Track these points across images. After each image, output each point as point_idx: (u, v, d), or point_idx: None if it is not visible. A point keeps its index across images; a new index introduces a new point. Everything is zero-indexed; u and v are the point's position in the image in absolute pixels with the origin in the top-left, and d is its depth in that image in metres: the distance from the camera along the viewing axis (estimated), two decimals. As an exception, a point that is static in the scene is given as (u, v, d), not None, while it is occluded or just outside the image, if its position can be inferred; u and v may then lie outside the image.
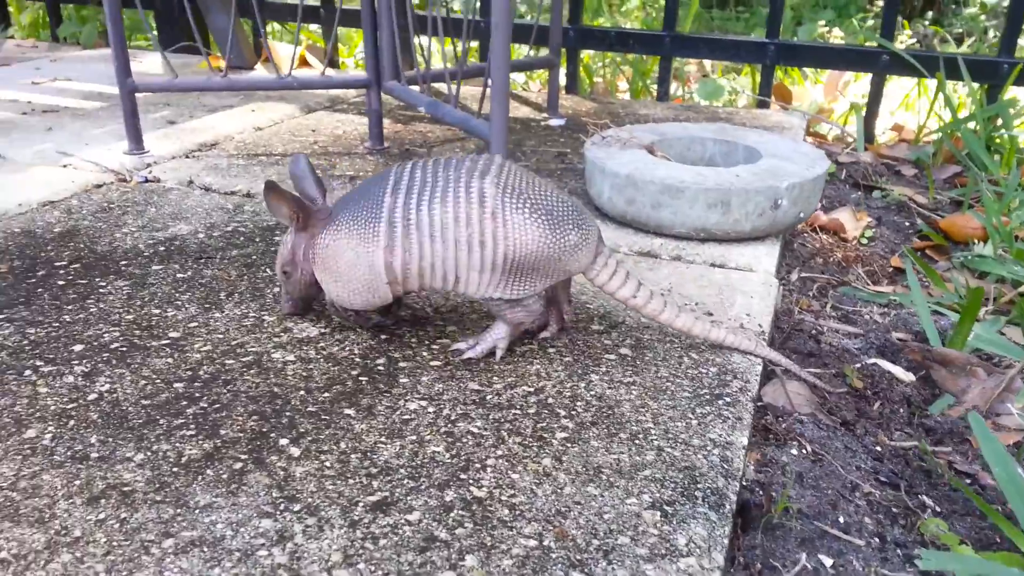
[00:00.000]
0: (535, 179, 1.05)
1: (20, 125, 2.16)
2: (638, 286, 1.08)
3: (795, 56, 2.47)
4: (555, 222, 1.02)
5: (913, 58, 2.31)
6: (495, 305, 1.05)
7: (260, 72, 2.87)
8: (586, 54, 3.07)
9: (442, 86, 2.30)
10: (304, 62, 2.99)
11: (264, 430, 0.94)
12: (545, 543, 0.78)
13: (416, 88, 1.90)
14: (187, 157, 1.95)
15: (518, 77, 3.08)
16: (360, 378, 1.05)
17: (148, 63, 2.98)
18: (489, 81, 1.55)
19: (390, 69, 1.95)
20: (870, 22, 4.78)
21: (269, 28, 3.36)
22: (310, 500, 0.83)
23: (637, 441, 0.93)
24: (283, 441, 0.92)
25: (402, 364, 1.09)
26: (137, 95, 1.88)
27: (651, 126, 1.76)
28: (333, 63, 3.10)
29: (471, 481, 0.86)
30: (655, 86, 2.70)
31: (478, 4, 2.73)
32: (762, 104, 2.55)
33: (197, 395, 1.01)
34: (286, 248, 1.10)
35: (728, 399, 1.02)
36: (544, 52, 2.37)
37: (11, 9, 3.57)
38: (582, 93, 2.82)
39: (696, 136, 1.70)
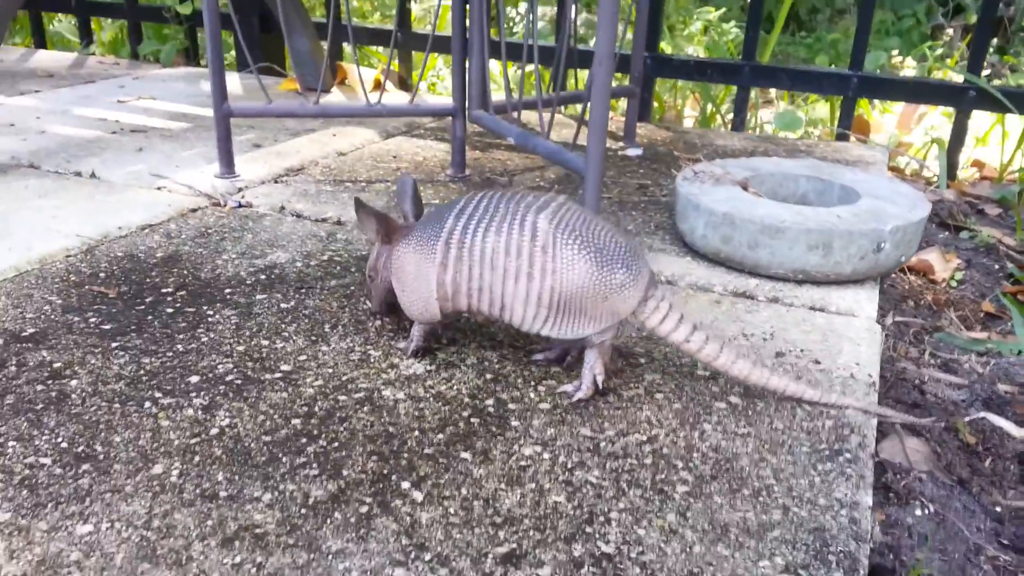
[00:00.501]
0: (592, 218, 1.08)
1: (111, 145, 2.22)
2: (692, 329, 1.08)
3: (879, 90, 2.43)
4: (603, 260, 1.03)
5: (1003, 94, 2.25)
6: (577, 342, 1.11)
7: (338, 96, 2.92)
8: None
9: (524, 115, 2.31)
10: (377, 85, 3.03)
11: (385, 472, 0.95)
12: (681, 606, 0.77)
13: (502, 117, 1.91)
14: (276, 182, 1.98)
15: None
16: (471, 419, 1.06)
17: (228, 84, 3.05)
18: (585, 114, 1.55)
19: (477, 98, 1.97)
20: (939, 51, 4.69)
21: (345, 50, 3.41)
22: (439, 549, 0.83)
23: (761, 498, 0.92)
24: (405, 484, 0.93)
25: (511, 406, 1.09)
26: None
27: (743, 161, 1.74)
28: (406, 87, 3.14)
29: (597, 535, 0.86)
30: (728, 114, 2.68)
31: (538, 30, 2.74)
32: (841, 137, 2.51)
33: (315, 432, 1.02)
34: (372, 256, 1.22)
35: (848, 455, 1.00)
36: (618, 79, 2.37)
37: (93, 26, 3.68)
38: (653, 121, 2.81)
39: (789, 173, 1.68)
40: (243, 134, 2.38)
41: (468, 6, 1.90)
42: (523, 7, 4.13)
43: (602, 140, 1.49)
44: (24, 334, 1.23)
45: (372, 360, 1.19)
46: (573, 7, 2.00)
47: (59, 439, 0.99)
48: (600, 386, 1.09)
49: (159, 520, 0.86)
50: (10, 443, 0.98)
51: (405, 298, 1.15)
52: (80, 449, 0.97)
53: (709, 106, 2.90)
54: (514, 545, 0.84)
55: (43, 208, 1.74)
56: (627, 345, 1.25)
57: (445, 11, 3.52)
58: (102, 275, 1.44)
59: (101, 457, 0.96)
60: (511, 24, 4.35)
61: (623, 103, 2.98)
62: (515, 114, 1.84)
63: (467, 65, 1.94)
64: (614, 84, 2.41)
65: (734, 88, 2.65)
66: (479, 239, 1.06)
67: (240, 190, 1.91)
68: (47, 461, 0.95)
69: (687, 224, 1.55)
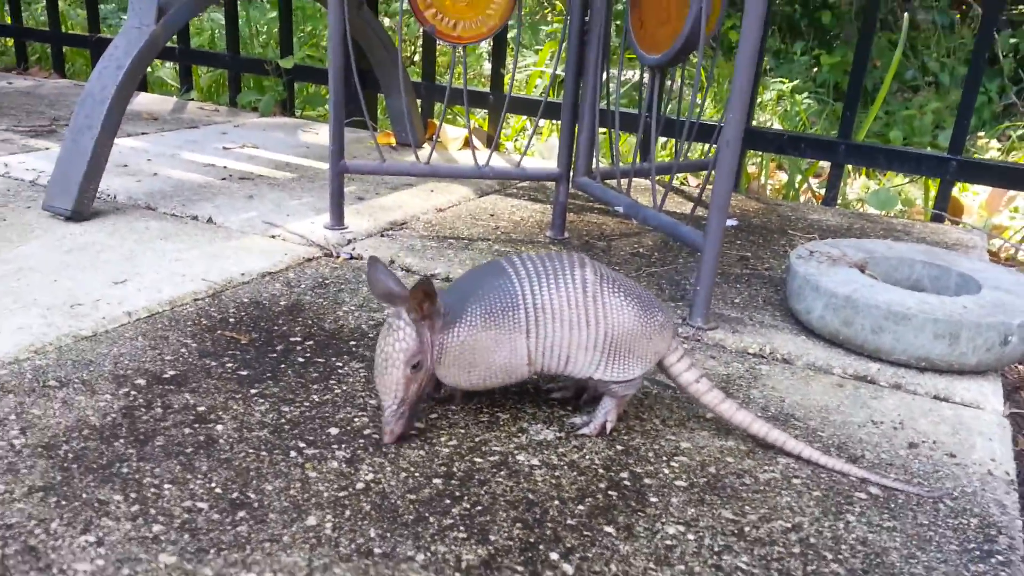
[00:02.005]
0: (618, 273, 1.19)
1: (223, 191, 2.31)
2: (702, 375, 1.19)
3: (978, 174, 2.42)
4: (644, 305, 1.15)
5: (1112, 185, 2.22)
6: (604, 385, 1.16)
7: (426, 150, 3.00)
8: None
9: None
10: (467, 143, 3.11)
11: (532, 540, 0.95)
12: None
13: (613, 183, 1.94)
14: (382, 235, 2.03)
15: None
16: (609, 492, 1.06)
17: (323, 135, 3.16)
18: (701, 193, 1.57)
19: (584, 165, 2.01)
20: (1020, 131, 4.64)
21: (437, 109, 3.52)
22: (599, 626, 0.83)
23: (920, 598, 0.90)
24: (553, 555, 0.93)
25: (647, 480, 1.09)
26: (326, 167, 1.99)
27: (855, 242, 1.74)
28: (495, 146, 3.21)
29: (757, 624, 0.84)
30: (818, 188, 2.68)
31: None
32: (937, 218, 2.49)
33: (457, 494, 1.03)
34: (411, 337, 1.08)
35: (1001, 557, 0.97)
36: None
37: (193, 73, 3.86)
38: (741, 191, 2.83)
39: (904, 257, 1.67)
40: (346, 186, 2.45)
41: (582, 77, 1.95)
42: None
43: (723, 218, 1.51)
44: (165, 376, 1.27)
45: (501, 423, 1.21)
46: (682, 82, 2.05)
47: (212, 484, 1.01)
48: (608, 431, 1.19)
49: (319, 573, 0.87)
50: (165, 485, 1.00)
51: (475, 375, 1.12)
52: (234, 496, 0.99)
53: (796, 179, 2.90)
54: (673, 628, 0.83)
55: (166, 251, 1.81)
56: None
57: (534, 76, 3.61)
58: (231, 320, 1.48)
59: (255, 505, 0.98)
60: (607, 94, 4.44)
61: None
62: (624, 182, 1.87)
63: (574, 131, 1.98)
64: (705, 156, 2.43)
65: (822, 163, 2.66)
66: (547, 297, 1.11)
67: (350, 242, 1.96)
68: (204, 506, 0.97)
69: (803, 304, 1.55)
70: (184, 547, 0.90)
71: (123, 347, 1.35)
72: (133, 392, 1.21)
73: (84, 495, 0.97)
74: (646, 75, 1.95)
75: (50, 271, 1.64)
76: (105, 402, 1.18)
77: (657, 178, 1.83)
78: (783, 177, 3.20)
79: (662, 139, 3.13)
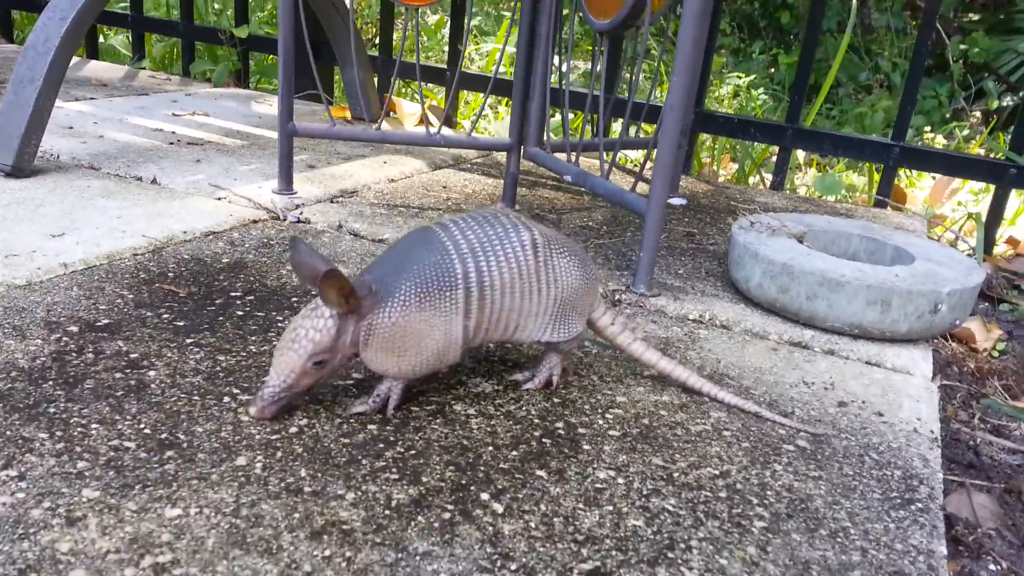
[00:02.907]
0: (550, 227, 1.16)
1: (170, 154, 2.26)
2: (625, 326, 1.21)
3: (920, 160, 2.48)
4: (583, 259, 1.14)
5: (1044, 173, 2.30)
6: (551, 345, 1.15)
7: (386, 127, 2.98)
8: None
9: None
10: (422, 120, 3.10)
11: (463, 482, 0.96)
12: (769, 634, 0.77)
13: (560, 156, 1.95)
14: (332, 202, 2.02)
15: (631, 154, 3.14)
16: (543, 440, 1.07)
17: (276, 106, 3.11)
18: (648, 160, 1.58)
19: (535, 136, 2.02)
20: (964, 132, 4.77)
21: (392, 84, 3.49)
22: (524, 560, 0.84)
23: (839, 539, 0.92)
24: (484, 496, 0.94)
25: (581, 430, 1.10)
26: (276, 136, 1.96)
27: (796, 216, 1.78)
28: (450, 123, 3.20)
29: (680, 561, 0.86)
30: (766, 174, 2.73)
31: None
32: (879, 204, 2.56)
33: (392, 439, 1.03)
34: (329, 334, 0.99)
35: (920, 505, 1.01)
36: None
37: (145, 42, 3.77)
38: (692, 175, 2.87)
39: (842, 231, 1.71)
40: (297, 155, 2.41)
41: (534, 52, 1.96)
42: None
43: (666, 183, 1.53)
44: (99, 324, 1.25)
45: (440, 375, 1.21)
46: (634, 61, 2.07)
47: (141, 425, 1.00)
48: (554, 385, 1.19)
49: (247, 509, 0.87)
50: (93, 426, 0.99)
51: (404, 362, 1.03)
52: (163, 436, 0.98)
53: (747, 164, 2.95)
54: (598, 563, 0.85)
55: (107, 208, 1.77)
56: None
57: (492, 54, 3.61)
58: (171, 275, 1.46)
59: (184, 445, 0.97)
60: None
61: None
62: (574, 155, 1.89)
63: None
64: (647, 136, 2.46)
65: (772, 148, 2.71)
66: (496, 274, 1.05)
67: (298, 207, 1.94)
68: (131, 445, 0.96)
69: (743, 272, 1.58)
70: (109, 483, 0.89)
71: (57, 296, 1.32)
72: (65, 338, 1.19)
73: (8, 432, 0.95)
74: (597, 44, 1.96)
75: (-17, 223, 1.59)
76: (35, 346, 1.15)
77: (599, 154, 1.85)
78: (735, 168, 3.24)
79: (615, 122, 3.16)
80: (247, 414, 1.04)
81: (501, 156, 2.74)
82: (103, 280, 1.40)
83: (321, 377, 1.03)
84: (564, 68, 1.89)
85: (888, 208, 2.56)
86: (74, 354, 1.14)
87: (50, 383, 1.07)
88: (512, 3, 5.86)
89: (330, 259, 1.03)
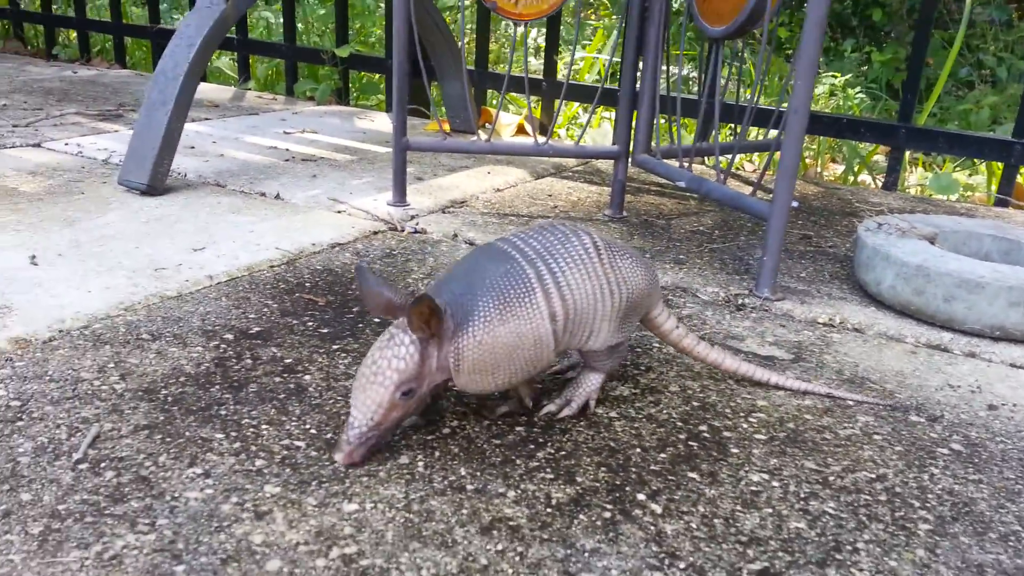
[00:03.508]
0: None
1: (287, 171, 2.36)
2: (678, 325, 1.20)
3: (1044, 156, 2.37)
4: (645, 264, 1.13)
5: None
6: (599, 357, 1.11)
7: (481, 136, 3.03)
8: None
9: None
10: (521, 130, 3.14)
11: (617, 483, 0.97)
12: (954, 638, 0.76)
13: (670, 163, 1.95)
14: (443, 212, 2.07)
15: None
16: (690, 443, 1.07)
17: (379, 122, 3.21)
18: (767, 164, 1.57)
19: (643, 143, 2.02)
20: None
21: (488, 96, 3.55)
22: (692, 560, 0.84)
23: (1011, 542, 0.90)
24: (640, 496, 0.95)
25: (726, 434, 1.10)
26: (384, 151, 2.02)
27: (923, 216, 1.73)
28: (546, 132, 3.23)
29: (849, 563, 0.85)
30: (878, 175, 2.65)
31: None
32: (1000, 203, 2.46)
33: (540, 440, 1.05)
34: (412, 361, 0.94)
35: (1091, 511, 0.97)
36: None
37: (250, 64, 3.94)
38: (799, 174, 2.81)
39: (973, 231, 1.66)
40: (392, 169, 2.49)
41: (642, 56, 1.97)
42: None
43: (791, 185, 1.51)
44: (251, 331, 1.31)
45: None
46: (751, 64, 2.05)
47: (307, 426, 1.05)
48: (591, 408, 1.13)
49: (417, 505, 0.90)
50: (263, 426, 1.04)
51: (503, 375, 0.99)
52: (328, 436, 1.03)
53: (855, 164, 2.88)
54: (766, 564, 0.85)
55: (239, 223, 1.86)
56: (831, 386, 1.25)
57: (588, 63, 3.63)
58: (307, 285, 1.52)
59: (349, 445, 1.01)
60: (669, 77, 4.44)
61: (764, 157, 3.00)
62: (686, 160, 1.88)
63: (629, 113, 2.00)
64: (768, 138, 2.43)
65: (878, 147, 2.63)
66: (567, 274, 1.02)
67: (413, 217, 2.00)
68: (301, 444, 1.01)
69: (873, 275, 1.55)
70: (287, 479, 0.93)
71: (208, 306, 1.40)
72: (223, 345, 1.26)
73: (187, 433, 1.02)
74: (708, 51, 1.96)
75: (131, 239, 1.70)
76: (197, 353, 1.22)
77: (715, 158, 1.84)
78: (838, 170, 3.16)
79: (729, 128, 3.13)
80: (332, 460, 0.97)
81: (601, 164, 2.75)
82: (247, 291, 1.48)
83: (410, 409, 0.97)
84: (673, 75, 1.90)
85: (1010, 207, 2.46)
86: (234, 360, 1.21)
87: (217, 387, 1.13)
88: (592, 13, 5.88)
89: (395, 286, 1.03)
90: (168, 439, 1.00)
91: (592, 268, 1.05)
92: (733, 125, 1.76)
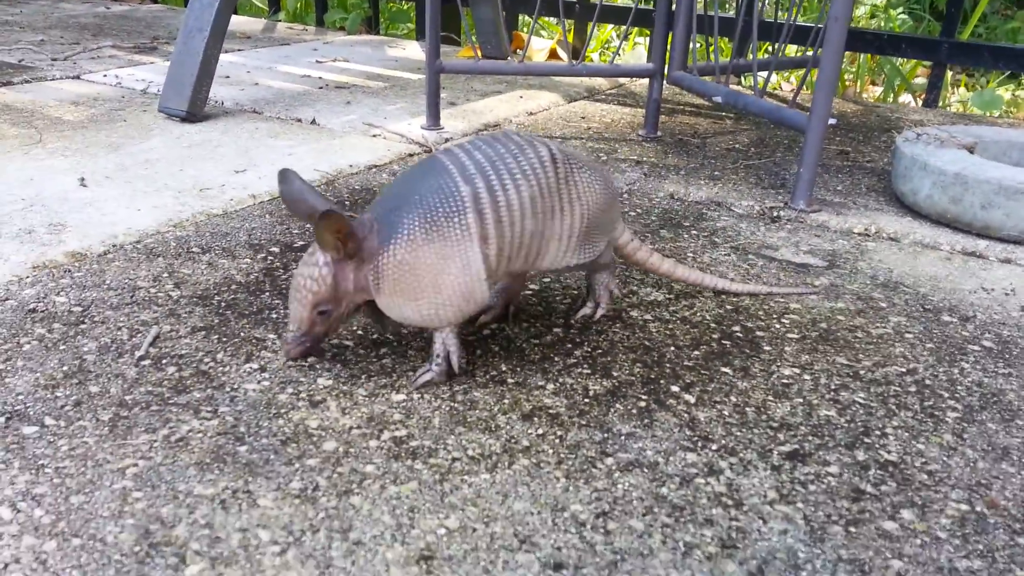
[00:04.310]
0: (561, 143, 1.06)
1: (321, 98, 2.38)
2: (642, 245, 1.14)
3: (1094, 67, 2.30)
4: (607, 178, 1.04)
5: None
6: (602, 261, 1.08)
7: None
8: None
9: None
10: (553, 55, 3.11)
11: (652, 376, 1.01)
12: (977, 509, 0.79)
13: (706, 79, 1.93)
14: (476, 135, 2.08)
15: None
16: (723, 341, 1.10)
17: (410, 50, 3.20)
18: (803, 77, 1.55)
19: (679, 60, 2.00)
20: None
21: (520, 21, 3.51)
22: (723, 442, 0.88)
23: (1038, 429, 0.92)
24: (674, 388, 0.98)
25: (759, 333, 1.13)
26: (416, 77, 2.03)
27: (962, 127, 1.71)
28: (578, 57, 3.20)
29: (877, 445, 0.89)
30: (909, 96, 2.60)
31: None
32: (1045, 117, 2.40)
33: (577, 340, 1.09)
34: (326, 283, 0.90)
35: (1121, 401, 0.98)
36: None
37: (281, -2, 3.93)
38: (838, 95, 2.76)
39: (1015, 140, 1.63)
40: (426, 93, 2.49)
41: (678, -32, 1.93)
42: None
43: (830, 96, 1.50)
44: (296, 245, 1.36)
45: (613, 286, 1.25)
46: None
47: (353, 327, 1.09)
48: (613, 296, 1.13)
49: (461, 395, 0.95)
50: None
51: (424, 307, 0.91)
52: (375, 336, 1.07)
53: (896, 82, 2.82)
54: (796, 446, 0.88)
55: (277, 147, 1.89)
56: (864, 290, 1.26)
57: (618, -14, 3.55)
58: (347, 203, 1.56)
59: (395, 344, 1.06)
60: None
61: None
62: (722, 77, 1.87)
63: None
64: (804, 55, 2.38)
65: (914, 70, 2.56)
66: (512, 192, 0.92)
67: (447, 140, 2.02)
68: (349, 343, 1.06)
69: (910, 185, 1.54)
70: (338, 374, 0.99)
71: (253, 223, 1.44)
72: (269, 257, 1.30)
73: (242, 334, 1.07)
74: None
75: (174, 162, 1.74)
76: (246, 264, 1.27)
77: (753, 73, 1.82)
78: (876, 92, 3.10)
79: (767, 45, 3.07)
80: (280, 353, 1.00)
81: (633, 86, 2.73)
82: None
83: (332, 324, 0.94)
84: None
85: (1055, 122, 2.40)
86: (281, 270, 1.26)
87: (267, 294, 1.18)
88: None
89: (328, 197, 0.96)
90: (224, 339, 1.05)
91: (543, 183, 0.94)
92: (769, 44, 1.74)
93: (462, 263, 0.90)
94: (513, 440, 0.87)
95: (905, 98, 2.94)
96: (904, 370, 1.04)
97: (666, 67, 2.05)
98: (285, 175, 0.94)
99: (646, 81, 2.54)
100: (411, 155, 1.90)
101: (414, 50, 3.20)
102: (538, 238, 0.95)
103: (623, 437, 0.88)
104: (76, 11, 3.85)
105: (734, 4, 1.99)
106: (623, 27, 3.45)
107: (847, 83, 3.01)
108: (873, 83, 3.29)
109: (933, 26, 4.62)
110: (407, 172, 0.96)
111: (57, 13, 3.76)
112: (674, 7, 1.98)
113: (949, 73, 3.44)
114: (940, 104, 2.62)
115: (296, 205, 0.94)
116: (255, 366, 1.00)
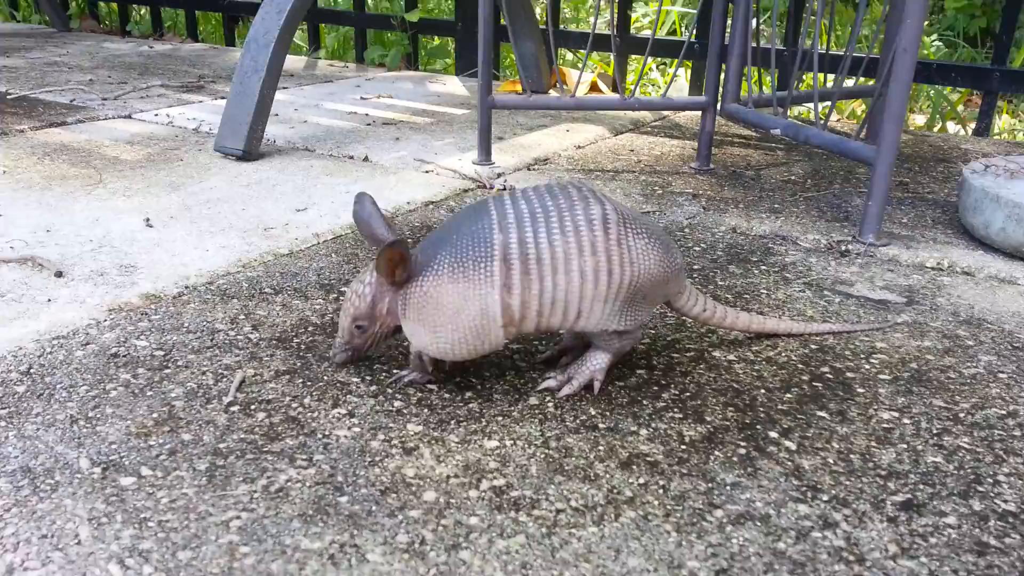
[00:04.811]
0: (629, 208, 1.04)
1: (370, 135, 2.40)
2: (706, 301, 1.11)
3: None
4: (666, 246, 1.01)
5: None
6: (604, 337, 1.00)
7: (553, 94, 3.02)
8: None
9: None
10: (594, 88, 3.12)
11: (747, 422, 0.98)
12: (1111, 565, 0.76)
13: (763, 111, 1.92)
14: (528, 170, 2.08)
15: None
16: (814, 383, 1.08)
17: (450, 85, 3.22)
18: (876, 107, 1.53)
19: (733, 92, 1.99)
20: None
21: (561, 56, 3.53)
22: (833, 492, 0.86)
23: None
24: (772, 434, 0.96)
25: (849, 375, 1.10)
26: (460, 112, 2.03)
27: (1030, 158, 1.68)
28: (618, 90, 3.21)
29: (992, 494, 0.85)
30: (955, 125, 2.57)
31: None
32: (1103, 144, 2.36)
33: (663, 382, 1.07)
34: (365, 301, 0.99)
35: None
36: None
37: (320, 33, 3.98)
38: (881, 126, 2.74)
39: (1087, 171, 1.60)
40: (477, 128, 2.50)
41: (733, 7, 1.93)
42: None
43: (898, 128, 1.48)
44: (366, 284, 1.35)
45: (688, 325, 1.23)
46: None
47: (439, 371, 1.08)
48: (595, 390, 1.02)
49: (554, 442, 0.93)
50: (394, 371, 1.08)
51: (439, 339, 0.95)
52: (458, 380, 1.06)
53: (943, 110, 2.79)
54: (908, 495, 0.85)
55: (334, 185, 1.90)
56: (949, 327, 1.23)
57: (662, 16, 3.57)
58: (410, 240, 1.56)
59: (479, 388, 1.04)
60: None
61: (850, 105, 2.93)
62: (780, 108, 1.85)
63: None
64: (859, 84, 2.37)
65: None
66: (546, 248, 0.93)
67: (500, 175, 2.02)
68: (433, 387, 1.04)
69: (981, 218, 1.51)
70: (427, 419, 0.97)
71: (320, 262, 1.44)
72: (341, 297, 1.30)
73: (325, 377, 1.06)
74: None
75: (236, 201, 1.75)
76: (319, 305, 1.27)
77: (814, 105, 1.80)
78: (918, 121, 3.07)
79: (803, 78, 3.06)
80: (330, 359, 1.10)
81: (678, 117, 2.73)
82: (353, 247, 1.52)
83: (370, 340, 1.02)
84: (762, 24, 1.86)
85: (1113, 149, 2.36)
86: (355, 311, 1.25)
87: (344, 336, 1.17)
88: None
89: (388, 221, 1.00)
90: (308, 383, 1.05)
91: (589, 242, 0.94)
92: (815, 74, 1.73)
93: (480, 307, 0.94)
94: (615, 490, 0.85)
95: (950, 125, 2.91)
96: (1005, 412, 1.01)
97: (719, 99, 2.04)
98: (361, 198, 1.02)
99: (691, 113, 2.55)
100: (465, 191, 1.90)
101: (455, 85, 3.22)
102: (576, 297, 0.95)
103: (728, 487, 0.86)
104: (121, 50, 3.93)
105: (782, 35, 1.98)
106: (661, 59, 3.46)
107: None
108: (911, 111, 3.26)
109: (967, 52, 4.60)
110: (459, 212, 1.01)
111: (102, 53, 3.84)
112: (727, 40, 1.97)
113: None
114: (990, 133, 2.59)
115: (364, 227, 1.02)
116: (343, 411, 0.99)
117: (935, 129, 2.83)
